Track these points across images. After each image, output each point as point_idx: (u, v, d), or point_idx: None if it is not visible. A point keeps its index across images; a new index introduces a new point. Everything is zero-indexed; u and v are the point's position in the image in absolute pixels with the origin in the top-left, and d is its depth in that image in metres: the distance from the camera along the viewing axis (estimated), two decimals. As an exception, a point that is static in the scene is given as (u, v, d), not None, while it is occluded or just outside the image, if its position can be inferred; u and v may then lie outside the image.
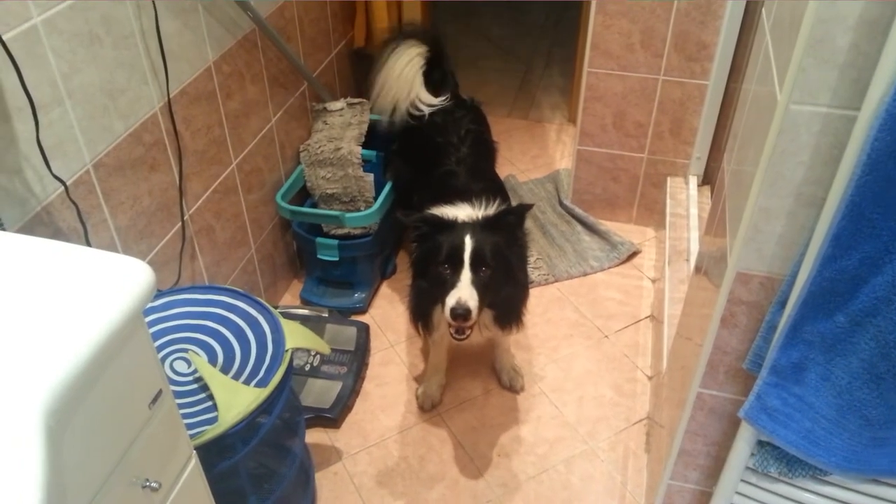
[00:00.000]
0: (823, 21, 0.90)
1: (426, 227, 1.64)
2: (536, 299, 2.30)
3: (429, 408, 1.98)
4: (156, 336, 1.40)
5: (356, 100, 2.34)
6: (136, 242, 1.52)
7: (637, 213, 2.61)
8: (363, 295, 2.27)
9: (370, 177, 2.16)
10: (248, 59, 1.88)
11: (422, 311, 1.71)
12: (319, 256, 2.17)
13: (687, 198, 2.40)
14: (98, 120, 1.36)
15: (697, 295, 1.49)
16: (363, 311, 2.28)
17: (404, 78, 2.12)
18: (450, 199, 1.76)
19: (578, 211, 2.60)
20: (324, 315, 2.16)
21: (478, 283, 1.53)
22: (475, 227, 1.60)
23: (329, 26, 2.39)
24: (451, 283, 1.53)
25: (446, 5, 3.88)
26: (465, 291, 1.51)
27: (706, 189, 2.42)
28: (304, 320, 2.09)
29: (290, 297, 2.33)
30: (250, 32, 1.87)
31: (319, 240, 2.15)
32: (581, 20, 2.82)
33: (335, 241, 2.14)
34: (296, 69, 2.15)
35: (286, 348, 1.39)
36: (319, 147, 2.17)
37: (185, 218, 1.68)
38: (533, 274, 2.37)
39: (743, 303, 1.15)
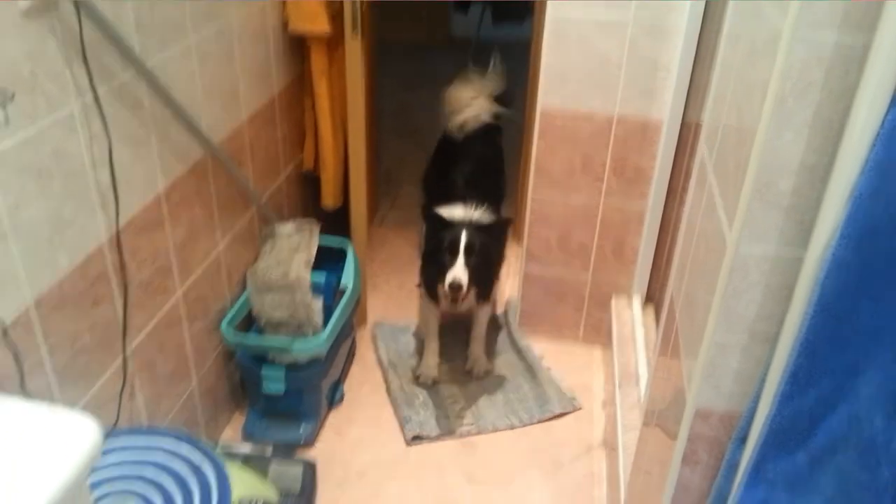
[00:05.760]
0: (767, 166, 0.94)
1: (438, 224, 2.22)
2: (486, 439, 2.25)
3: (430, 384, 2.38)
4: (90, 488, 1.30)
5: (305, 222, 2.34)
6: (74, 384, 1.43)
7: (584, 332, 2.63)
8: (309, 428, 2.17)
9: (319, 302, 2.13)
10: (198, 186, 1.87)
11: (430, 286, 2.30)
12: (264, 391, 2.08)
13: (632, 318, 2.44)
14: (42, 255, 1.31)
15: (653, 432, 1.47)
16: (310, 444, 2.17)
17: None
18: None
19: (532, 355, 2.55)
20: (267, 454, 2.03)
21: (469, 265, 2.10)
22: (469, 227, 2.18)
23: (279, 150, 2.42)
24: (449, 264, 2.10)
25: (391, 126, 3.99)
26: (459, 270, 2.09)
27: (650, 308, 2.47)
28: (245, 460, 1.97)
29: (231, 432, 2.20)
30: (201, 159, 1.86)
31: (265, 371, 2.07)
32: (524, 148, 2.93)
33: (282, 370, 2.06)
34: (245, 194, 2.15)
35: (230, 501, 1.30)
36: (267, 272, 2.13)
37: (126, 354, 1.60)
38: (456, 424, 2.28)
39: (704, 439, 1.14)
